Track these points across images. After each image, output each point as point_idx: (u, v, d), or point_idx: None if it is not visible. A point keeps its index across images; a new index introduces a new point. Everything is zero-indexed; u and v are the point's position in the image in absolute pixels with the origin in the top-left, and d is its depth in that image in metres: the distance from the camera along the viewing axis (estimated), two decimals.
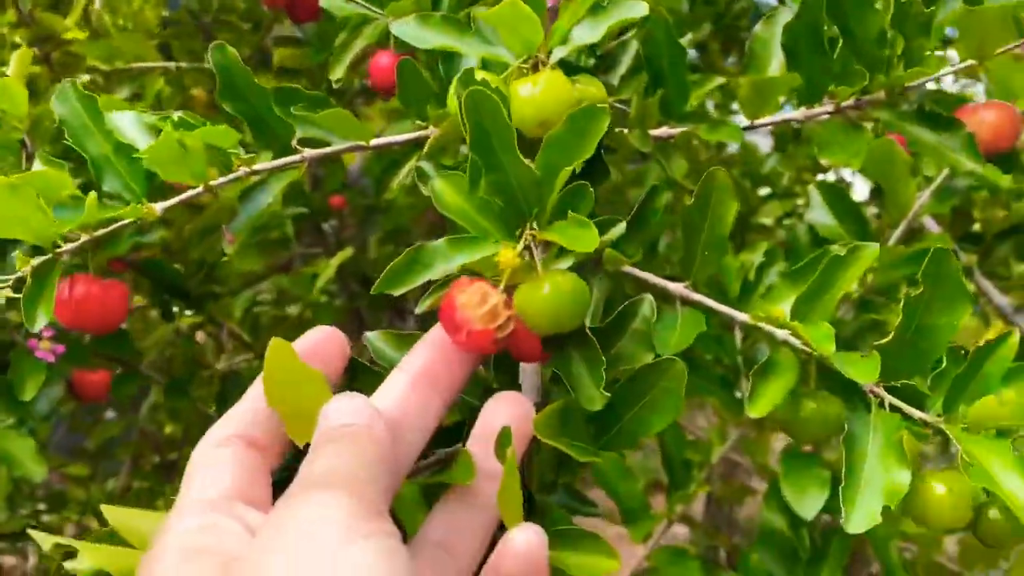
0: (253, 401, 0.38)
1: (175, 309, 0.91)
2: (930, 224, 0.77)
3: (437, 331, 0.43)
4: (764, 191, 1.24)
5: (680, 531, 1.22)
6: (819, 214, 0.71)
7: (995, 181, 0.54)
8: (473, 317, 0.40)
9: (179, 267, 0.85)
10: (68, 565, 0.35)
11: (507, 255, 0.41)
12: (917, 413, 0.46)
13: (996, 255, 0.77)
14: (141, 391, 1.21)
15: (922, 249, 0.67)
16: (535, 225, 0.43)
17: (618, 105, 0.61)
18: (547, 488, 0.57)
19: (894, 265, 0.68)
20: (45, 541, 0.36)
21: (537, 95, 0.48)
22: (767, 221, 1.18)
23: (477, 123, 0.42)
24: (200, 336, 1.03)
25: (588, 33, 0.50)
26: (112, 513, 0.37)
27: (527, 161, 0.43)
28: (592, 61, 0.63)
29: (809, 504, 0.46)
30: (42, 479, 0.70)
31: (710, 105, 1.29)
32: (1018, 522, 0.48)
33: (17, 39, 0.89)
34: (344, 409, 0.35)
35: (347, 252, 0.89)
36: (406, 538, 0.39)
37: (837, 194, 0.71)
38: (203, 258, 0.86)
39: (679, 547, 0.77)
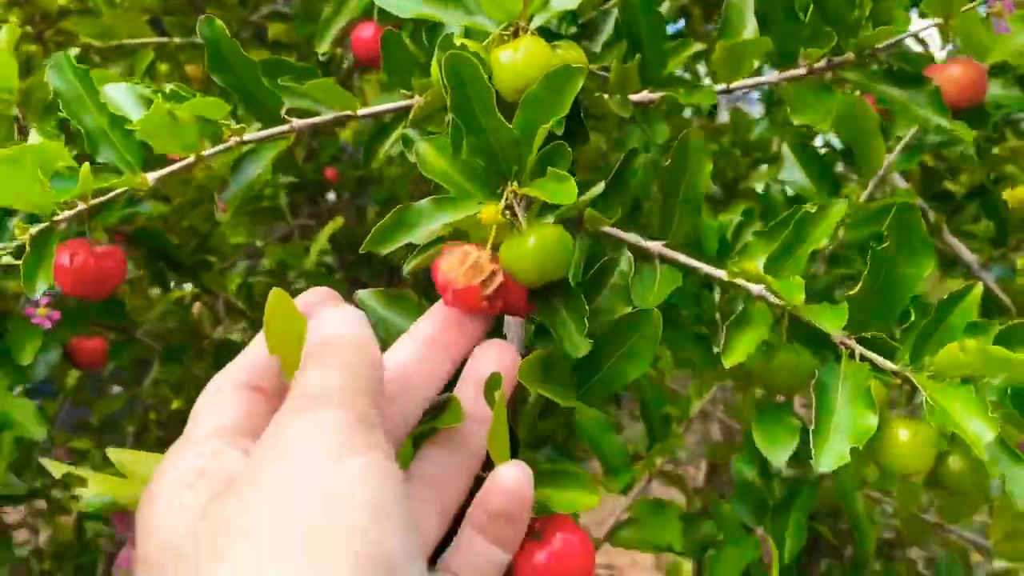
0: (255, 350, 0.39)
1: (172, 283, 0.93)
2: (900, 182, 0.79)
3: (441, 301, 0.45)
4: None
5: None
6: (792, 173, 0.73)
7: (961, 136, 0.56)
8: (455, 276, 0.42)
9: (172, 238, 0.87)
10: (79, 491, 0.37)
11: (489, 211, 0.43)
12: (886, 363, 0.48)
13: (965, 213, 0.79)
14: (143, 366, 1.23)
15: (891, 204, 0.69)
16: (516, 183, 0.45)
17: (601, 72, 0.63)
18: (534, 444, 0.59)
19: (865, 221, 0.70)
20: (56, 469, 0.38)
21: (518, 61, 0.49)
22: (758, 187, 1.20)
23: (457, 86, 0.43)
24: (197, 308, 1.05)
25: (566, 0, 0.52)
26: (118, 455, 0.39)
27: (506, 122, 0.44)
28: (574, 29, 0.65)
29: (779, 452, 0.48)
30: (42, 439, 0.72)
31: (701, 72, 1.31)
32: (976, 469, 0.51)
33: (11, 19, 0.90)
34: (334, 319, 0.37)
35: (338, 222, 0.90)
36: None
37: (810, 154, 0.73)
38: (194, 227, 0.88)
39: (660, 499, 0.80)
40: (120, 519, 0.46)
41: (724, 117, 1.28)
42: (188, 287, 0.98)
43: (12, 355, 0.70)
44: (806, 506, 0.76)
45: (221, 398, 0.38)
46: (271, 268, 1.14)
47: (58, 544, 1.51)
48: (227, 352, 1.00)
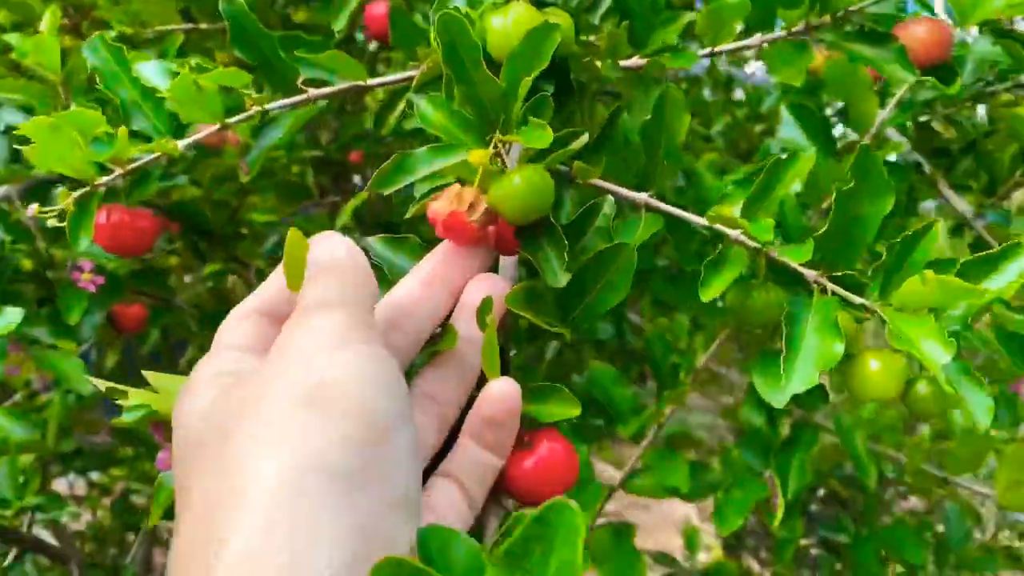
0: (272, 282, 0.44)
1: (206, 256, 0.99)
2: (896, 138, 0.82)
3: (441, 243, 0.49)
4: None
5: None
6: (790, 130, 0.76)
7: (943, 89, 0.59)
8: (442, 209, 0.46)
9: (206, 211, 0.93)
10: (120, 401, 0.42)
11: (477, 155, 0.47)
12: (856, 299, 0.51)
13: (960, 167, 0.83)
14: (181, 347, 1.29)
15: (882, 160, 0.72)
16: (503, 131, 0.49)
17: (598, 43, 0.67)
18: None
19: None
20: (102, 384, 0.44)
21: (508, 25, 0.54)
22: None
23: (448, 42, 0.48)
24: (231, 280, 1.11)
25: None
26: (154, 377, 0.44)
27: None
28: (575, 1, 0.69)
29: (779, 394, 0.52)
30: (89, 393, 0.78)
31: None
32: (940, 393, 0.54)
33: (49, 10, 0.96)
34: (327, 244, 0.42)
35: (362, 196, 0.95)
36: None
37: (807, 112, 0.76)
38: (225, 201, 0.94)
39: (669, 448, 0.84)
40: (156, 429, 0.51)
41: (740, 94, 1.32)
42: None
43: (61, 316, 0.77)
44: (809, 447, 0.80)
45: (241, 323, 0.43)
46: None
47: (98, 527, 1.58)
48: None
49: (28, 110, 0.79)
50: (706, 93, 1.37)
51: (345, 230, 1.13)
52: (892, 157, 0.81)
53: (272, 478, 0.32)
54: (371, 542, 0.33)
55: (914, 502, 1.53)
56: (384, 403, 0.36)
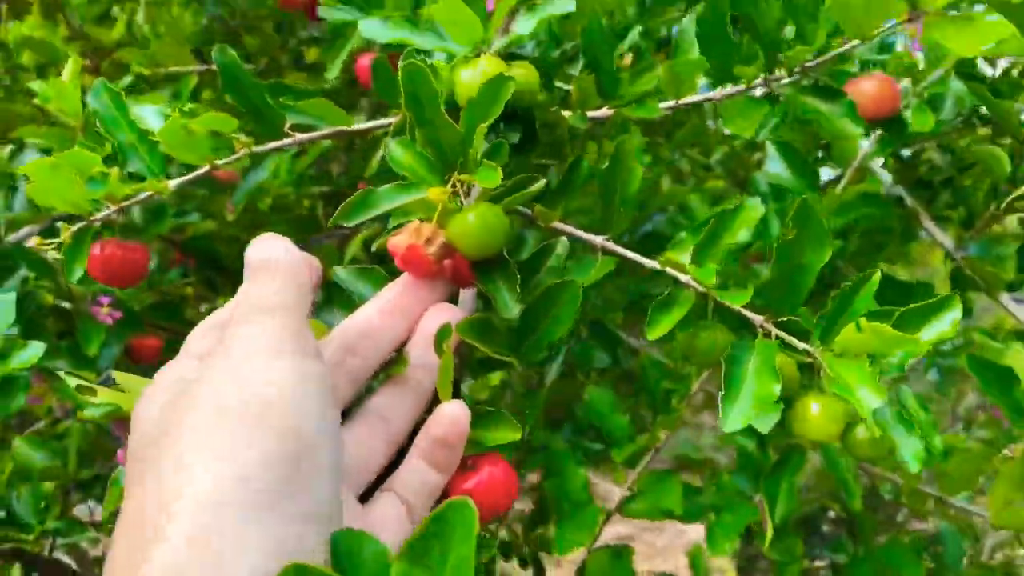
0: (238, 296, 0.47)
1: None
2: (882, 174, 0.84)
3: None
4: None
5: None
6: (775, 165, 0.79)
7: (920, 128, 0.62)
8: (401, 242, 0.50)
9: (220, 247, 0.97)
10: (88, 398, 0.45)
11: (436, 192, 0.51)
12: (799, 344, 0.53)
13: (940, 200, 0.85)
14: None
15: (863, 193, 0.75)
16: (460, 172, 0.52)
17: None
18: (553, 425, 0.66)
19: (840, 210, 0.76)
20: (72, 381, 0.47)
21: (476, 77, 0.58)
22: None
23: (410, 90, 0.52)
24: None
25: (523, 26, 0.60)
26: (121, 377, 0.48)
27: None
28: (557, 53, 0.73)
29: (765, 421, 0.54)
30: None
31: None
32: (878, 437, 0.55)
33: (70, 52, 1.02)
34: (264, 245, 0.44)
35: (373, 229, 0.99)
36: (350, 411, 0.48)
37: (791, 149, 0.79)
38: (238, 237, 0.98)
39: (663, 470, 0.87)
40: (119, 426, 0.55)
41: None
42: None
43: (81, 348, 0.81)
44: (795, 471, 0.81)
45: (207, 333, 0.45)
46: None
47: None
48: None
49: (48, 152, 0.83)
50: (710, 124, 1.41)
51: (354, 260, 1.17)
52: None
53: (199, 486, 0.34)
54: (293, 554, 0.34)
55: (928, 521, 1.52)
56: (310, 418, 0.38)
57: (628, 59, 0.82)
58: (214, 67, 0.64)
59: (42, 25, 1.12)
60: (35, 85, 0.85)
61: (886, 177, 0.85)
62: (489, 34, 0.59)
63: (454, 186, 0.53)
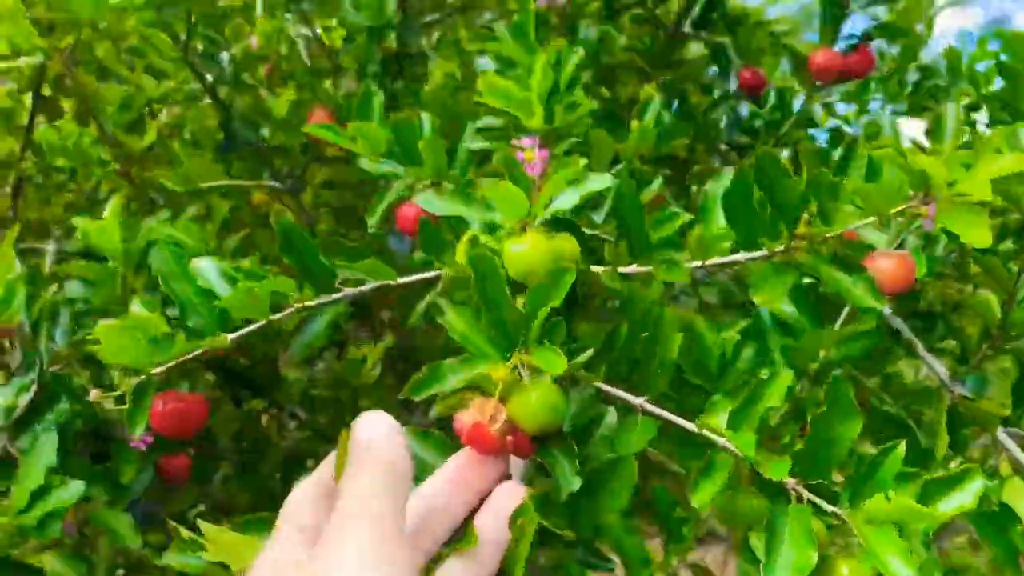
0: (326, 466, 0.50)
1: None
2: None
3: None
4: None
5: None
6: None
7: None
8: (468, 420, 0.54)
9: (246, 361, 1.01)
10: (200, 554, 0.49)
11: (499, 371, 0.55)
12: (829, 507, 0.57)
13: (936, 332, 0.91)
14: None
15: (859, 330, 0.80)
16: (522, 350, 0.57)
17: (604, 236, 0.76)
18: (568, 544, 0.70)
19: (840, 343, 0.80)
20: (182, 533, 0.50)
21: (524, 251, 0.62)
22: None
23: (479, 275, 0.56)
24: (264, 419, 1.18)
25: (566, 201, 0.65)
26: (208, 529, 0.50)
27: (515, 302, 0.57)
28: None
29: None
30: (138, 547, 0.83)
31: None
32: None
33: (101, 154, 1.06)
34: (369, 426, 0.48)
35: (389, 340, 1.03)
36: None
37: (798, 288, 0.83)
38: (266, 354, 1.01)
39: None
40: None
41: None
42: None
43: (115, 476, 0.83)
44: None
45: (301, 505, 0.49)
46: (329, 381, 1.28)
47: None
48: (293, 458, 1.12)
49: (89, 283, 0.86)
50: None
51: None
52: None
53: None
54: None
55: None
56: None
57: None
58: (243, 182, 0.68)
59: (73, 130, 1.16)
60: (77, 222, 0.88)
61: (886, 309, 0.90)
62: (536, 209, 0.64)
63: (514, 361, 0.57)
